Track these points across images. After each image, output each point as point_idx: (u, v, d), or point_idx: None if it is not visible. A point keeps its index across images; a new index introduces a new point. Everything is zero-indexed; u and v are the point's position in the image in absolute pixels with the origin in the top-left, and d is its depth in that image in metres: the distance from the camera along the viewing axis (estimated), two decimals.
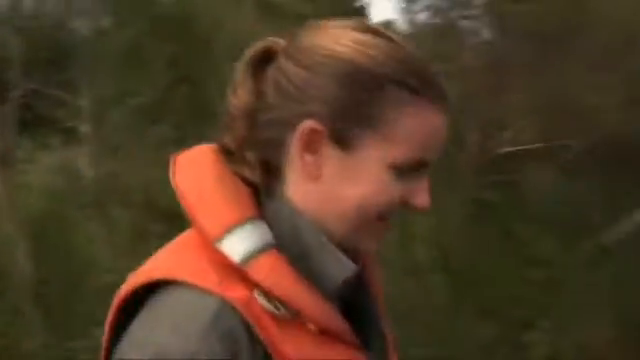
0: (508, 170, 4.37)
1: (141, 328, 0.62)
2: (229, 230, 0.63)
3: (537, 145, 4.40)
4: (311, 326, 0.63)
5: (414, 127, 0.65)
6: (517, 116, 4.47)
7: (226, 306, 0.59)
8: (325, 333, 0.64)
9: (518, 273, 3.74)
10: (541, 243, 3.77)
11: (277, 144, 0.67)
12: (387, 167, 0.65)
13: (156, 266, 0.66)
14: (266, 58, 0.69)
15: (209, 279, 0.61)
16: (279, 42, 0.70)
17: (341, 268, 0.67)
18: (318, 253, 0.66)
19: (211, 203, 0.65)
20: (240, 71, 0.70)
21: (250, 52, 0.70)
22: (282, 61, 0.67)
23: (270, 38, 0.71)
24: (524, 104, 4.42)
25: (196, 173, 0.68)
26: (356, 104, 0.65)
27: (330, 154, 0.66)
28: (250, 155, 0.68)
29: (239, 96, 0.69)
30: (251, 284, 0.61)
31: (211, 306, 0.59)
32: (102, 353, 0.69)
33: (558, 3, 4.45)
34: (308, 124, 0.64)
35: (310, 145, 0.65)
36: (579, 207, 3.96)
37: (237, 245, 0.62)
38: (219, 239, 0.62)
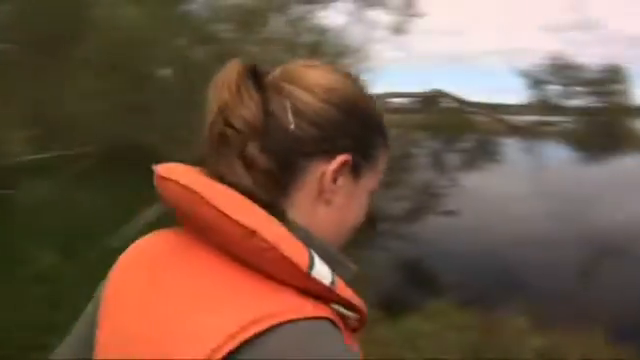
0: (2, 185, 3.78)
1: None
2: (312, 257, 0.65)
3: (35, 156, 3.96)
4: (355, 326, 0.71)
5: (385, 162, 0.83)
6: (10, 127, 3.89)
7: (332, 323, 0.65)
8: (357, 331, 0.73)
9: (22, 292, 3.34)
10: (43, 259, 3.47)
11: (292, 167, 0.72)
12: (369, 194, 0.81)
13: (253, 316, 0.61)
14: (253, 76, 0.74)
15: (307, 308, 0.63)
16: (261, 66, 0.77)
17: (349, 273, 0.74)
18: (335, 265, 0.69)
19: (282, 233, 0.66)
20: (234, 80, 0.72)
21: (240, 67, 0.74)
22: (292, 89, 0.74)
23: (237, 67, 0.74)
24: (18, 114, 3.92)
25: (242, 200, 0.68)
26: (369, 143, 0.79)
27: (344, 183, 0.76)
28: (258, 171, 0.70)
29: (248, 109, 0.71)
30: (327, 300, 0.66)
31: (328, 327, 0.64)
32: None
33: (54, 7, 4.17)
34: (344, 157, 0.73)
35: (336, 174, 0.74)
36: (86, 215, 3.79)
37: (322, 269, 0.66)
38: (311, 267, 0.64)
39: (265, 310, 0.61)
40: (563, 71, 6.96)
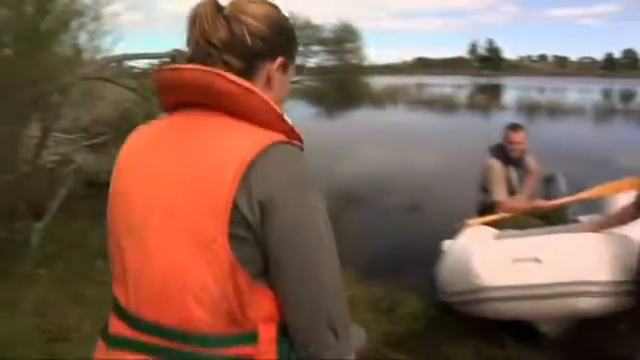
0: None
1: (290, 165, 1.10)
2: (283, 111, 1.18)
3: None
4: None
5: None
6: None
7: None
8: None
9: None
10: None
11: (252, 67, 1.19)
12: (289, 81, 1.30)
13: (258, 139, 1.08)
14: (218, 10, 1.17)
15: (287, 138, 1.15)
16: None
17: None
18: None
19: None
20: (208, 14, 1.15)
21: (208, 4, 1.16)
22: (244, 18, 1.16)
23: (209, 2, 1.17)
24: None
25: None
26: (292, 50, 1.28)
27: (279, 75, 1.23)
28: (234, 70, 1.14)
29: (219, 31, 1.15)
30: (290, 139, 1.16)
31: (301, 152, 1.18)
32: (227, 206, 1.02)
33: None
34: (280, 60, 1.22)
35: (276, 70, 1.22)
36: None
37: (286, 116, 1.18)
38: (282, 113, 1.16)
39: (263, 138, 1.08)
40: (300, 31, 7.09)
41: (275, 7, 1.22)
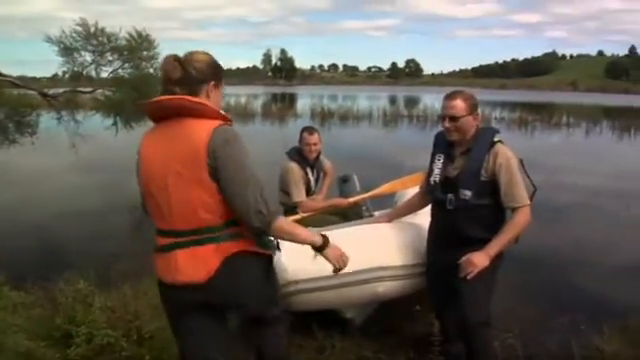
0: None
1: (226, 133, 2.21)
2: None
3: None
4: None
5: None
6: None
7: None
8: None
9: None
10: None
11: (199, 89, 2.27)
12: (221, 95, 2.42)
13: (210, 125, 2.22)
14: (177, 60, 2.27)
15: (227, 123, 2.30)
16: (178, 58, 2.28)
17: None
18: None
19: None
20: (173, 67, 2.24)
21: (171, 59, 2.27)
22: (189, 62, 2.26)
23: (171, 57, 2.28)
24: None
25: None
26: (220, 76, 2.37)
27: (213, 91, 2.33)
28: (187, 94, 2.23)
29: (176, 71, 2.23)
30: None
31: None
32: (205, 163, 2.16)
33: None
34: (213, 82, 2.32)
35: (213, 89, 2.32)
36: None
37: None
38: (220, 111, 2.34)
39: (213, 124, 2.19)
40: (92, 39, 6.85)
41: (207, 54, 2.36)
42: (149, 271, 4.55)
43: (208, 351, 2.43)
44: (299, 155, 5.09)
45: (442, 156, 3.42)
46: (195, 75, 2.24)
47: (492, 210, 3.23)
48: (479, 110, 3.44)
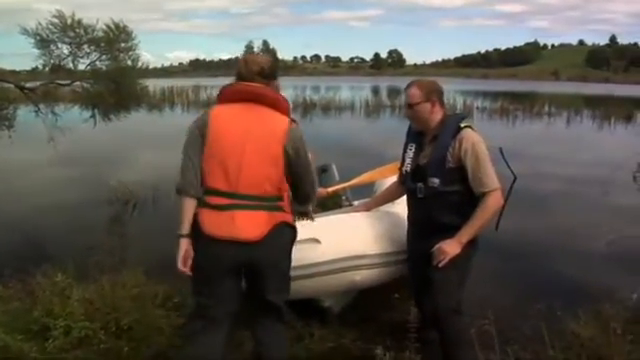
0: None
1: (299, 131, 2.82)
2: None
3: None
4: None
5: None
6: None
7: None
8: None
9: None
10: None
11: (271, 84, 2.87)
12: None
13: (286, 120, 2.78)
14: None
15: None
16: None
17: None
18: None
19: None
20: (254, 60, 2.86)
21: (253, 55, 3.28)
22: (264, 60, 2.88)
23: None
24: None
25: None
26: (277, 74, 3.01)
27: (278, 86, 2.98)
28: (267, 85, 2.84)
29: (257, 67, 2.82)
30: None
31: None
32: (282, 147, 2.72)
33: None
34: (278, 79, 2.97)
35: (278, 84, 2.98)
36: None
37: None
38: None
39: (288, 119, 2.76)
40: (69, 30, 6.77)
41: (271, 57, 3.02)
42: (128, 263, 4.62)
43: (229, 307, 2.86)
44: None
45: (414, 145, 3.46)
46: (269, 72, 2.83)
47: (463, 196, 3.24)
48: (444, 98, 3.47)
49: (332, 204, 5.04)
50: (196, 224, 2.71)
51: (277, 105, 2.76)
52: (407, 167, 3.45)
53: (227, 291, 2.82)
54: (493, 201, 3.18)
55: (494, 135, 17.80)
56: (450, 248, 3.16)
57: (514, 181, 3.44)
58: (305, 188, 2.91)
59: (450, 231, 3.21)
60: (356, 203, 4.82)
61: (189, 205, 2.73)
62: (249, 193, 2.67)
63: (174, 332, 3.78)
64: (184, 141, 2.77)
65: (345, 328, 3.93)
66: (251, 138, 2.66)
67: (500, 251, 5.43)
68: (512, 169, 3.42)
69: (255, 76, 2.77)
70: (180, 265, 2.76)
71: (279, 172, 2.71)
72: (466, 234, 3.19)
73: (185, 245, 2.75)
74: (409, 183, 3.42)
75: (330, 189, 4.97)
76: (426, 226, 3.37)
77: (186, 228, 2.74)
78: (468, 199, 3.23)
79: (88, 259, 4.61)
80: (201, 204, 2.72)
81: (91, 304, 3.85)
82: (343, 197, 5.27)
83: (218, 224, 2.67)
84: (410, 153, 3.46)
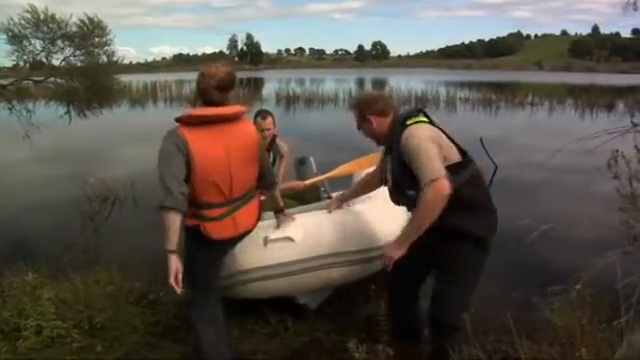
0: None
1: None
2: None
3: None
4: None
5: None
6: None
7: None
8: None
9: None
10: None
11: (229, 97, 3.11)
12: None
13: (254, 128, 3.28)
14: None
15: None
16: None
17: None
18: None
19: None
20: (225, 76, 2.97)
21: (221, 70, 2.99)
22: (228, 72, 3.02)
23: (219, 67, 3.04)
24: None
25: None
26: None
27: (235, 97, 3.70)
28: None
29: (228, 83, 3.02)
30: None
31: None
32: (258, 153, 3.21)
33: None
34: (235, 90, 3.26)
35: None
36: None
37: None
38: None
39: (252, 125, 3.32)
40: (42, 25, 6.66)
41: (229, 67, 3.03)
42: (103, 260, 4.58)
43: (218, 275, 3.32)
44: None
45: (388, 157, 3.28)
46: (226, 85, 2.98)
47: None
48: (378, 106, 3.30)
49: (310, 197, 5.01)
50: (200, 234, 3.00)
51: (239, 117, 3.10)
52: (390, 184, 3.30)
53: (219, 271, 3.32)
54: (431, 193, 2.89)
55: (477, 125, 17.90)
56: (389, 250, 3.10)
57: (495, 170, 3.41)
58: (271, 177, 3.43)
59: (444, 230, 3.06)
60: (335, 195, 4.79)
61: (176, 220, 2.83)
62: (241, 194, 3.12)
63: (148, 330, 3.76)
64: (160, 158, 2.86)
65: (320, 322, 3.92)
66: (232, 154, 3.00)
67: None
68: (493, 159, 3.39)
69: (213, 90, 2.94)
70: (172, 281, 2.84)
71: (256, 169, 3.21)
72: (404, 234, 3.08)
73: (175, 262, 2.85)
74: (396, 199, 3.30)
75: (308, 182, 4.94)
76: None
77: (174, 244, 2.82)
78: (456, 198, 2.97)
79: (62, 257, 4.57)
80: (201, 218, 3.00)
81: (63, 303, 3.81)
82: (322, 189, 5.25)
83: (224, 229, 3.06)
84: (387, 167, 3.30)
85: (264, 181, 3.34)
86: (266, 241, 3.67)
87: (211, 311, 3.21)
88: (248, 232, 3.24)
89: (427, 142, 2.99)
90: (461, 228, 3.08)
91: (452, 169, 3.01)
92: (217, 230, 3.02)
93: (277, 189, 3.57)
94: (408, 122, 3.12)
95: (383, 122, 3.26)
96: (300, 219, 3.80)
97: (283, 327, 3.81)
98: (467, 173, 3.10)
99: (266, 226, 3.75)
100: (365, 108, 3.30)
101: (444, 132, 3.20)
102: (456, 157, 3.10)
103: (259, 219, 3.30)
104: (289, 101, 26.64)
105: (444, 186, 2.88)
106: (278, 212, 3.69)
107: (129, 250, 5.23)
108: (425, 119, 3.20)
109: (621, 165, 3.63)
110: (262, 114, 5.02)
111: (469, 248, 3.15)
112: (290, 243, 3.67)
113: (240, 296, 3.81)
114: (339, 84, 36.58)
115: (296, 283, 3.76)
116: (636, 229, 3.72)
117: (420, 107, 3.40)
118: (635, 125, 3.84)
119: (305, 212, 4.18)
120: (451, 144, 3.14)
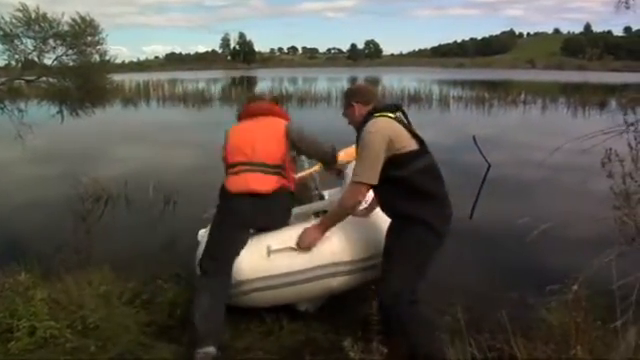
0: None
1: (297, 124, 4.15)
2: None
3: None
4: None
5: None
6: None
7: None
8: None
9: None
10: None
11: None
12: None
13: (283, 121, 4.16)
14: None
15: None
16: None
17: None
18: None
19: None
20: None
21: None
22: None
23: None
24: None
25: None
26: None
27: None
28: None
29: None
30: None
31: None
32: (284, 136, 3.99)
33: None
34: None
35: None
36: None
37: None
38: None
39: (284, 120, 4.12)
40: (34, 24, 6.61)
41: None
42: (96, 260, 4.56)
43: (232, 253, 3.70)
44: None
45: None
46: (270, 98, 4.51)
47: (394, 182, 3.30)
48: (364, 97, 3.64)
49: (303, 197, 4.98)
50: (222, 189, 3.89)
51: (273, 112, 4.16)
52: None
53: (235, 249, 3.71)
54: (350, 193, 3.38)
55: (470, 123, 17.92)
56: (305, 238, 3.64)
57: (488, 169, 3.42)
58: (318, 154, 4.24)
59: (400, 218, 3.39)
60: (326, 195, 4.78)
61: None
62: (260, 161, 3.81)
63: (142, 330, 3.74)
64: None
65: (315, 321, 3.90)
66: (258, 130, 3.98)
67: (474, 239, 5.43)
68: (486, 157, 3.40)
69: (257, 99, 4.41)
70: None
71: (281, 149, 3.88)
72: (322, 223, 3.64)
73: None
74: None
75: (297, 175, 4.92)
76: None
77: None
78: (405, 184, 3.28)
79: (55, 257, 4.54)
80: (226, 174, 3.94)
81: (56, 303, 3.78)
82: (312, 185, 5.22)
83: (236, 183, 3.80)
84: None
85: (316, 157, 4.36)
86: (269, 251, 3.68)
87: (214, 285, 3.55)
88: (261, 195, 3.73)
89: (377, 142, 3.24)
90: (409, 213, 3.28)
91: (407, 156, 3.27)
92: (231, 183, 3.83)
93: (333, 163, 4.38)
94: (376, 114, 3.40)
95: (364, 110, 3.56)
96: (302, 228, 3.80)
97: (278, 326, 3.80)
98: (421, 162, 3.31)
99: (269, 236, 3.80)
100: (352, 96, 3.71)
101: (407, 126, 3.43)
102: (411, 146, 3.31)
103: (277, 192, 3.78)
104: (282, 100, 26.59)
105: (361, 193, 3.33)
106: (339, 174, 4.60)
107: (122, 250, 5.22)
108: (392, 115, 3.44)
109: (615, 164, 3.64)
110: None
111: (414, 230, 3.29)
112: (293, 253, 3.69)
113: (243, 305, 3.82)
114: (332, 83, 36.53)
115: (298, 292, 3.77)
116: (629, 227, 3.74)
117: (398, 104, 3.67)
118: (629, 125, 3.86)
119: (305, 213, 4.31)
120: (408, 136, 3.35)
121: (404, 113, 3.57)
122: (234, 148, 3.92)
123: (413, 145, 3.31)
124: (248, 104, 4.28)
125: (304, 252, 3.67)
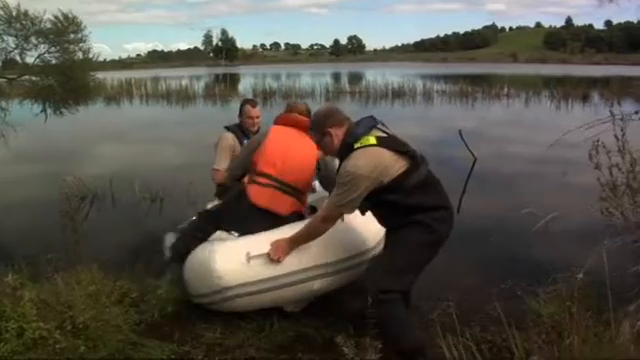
0: None
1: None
2: None
3: None
4: None
5: None
6: None
7: None
8: None
9: None
10: None
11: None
12: None
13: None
14: None
15: None
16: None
17: None
18: None
19: None
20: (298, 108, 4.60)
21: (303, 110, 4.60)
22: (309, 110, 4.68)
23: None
24: None
25: None
26: None
27: None
28: None
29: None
30: None
31: None
32: (315, 161, 4.27)
33: None
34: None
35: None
36: None
37: None
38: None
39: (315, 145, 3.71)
40: (15, 22, 6.53)
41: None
42: (84, 260, 4.50)
43: None
44: (238, 128, 5.20)
45: None
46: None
47: (386, 205, 3.29)
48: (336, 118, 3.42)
49: None
50: (243, 192, 4.14)
51: (307, 129, 3.89)
52: None
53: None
54: (317, 222, 3.51)
55: (455, 117, 17.98)
56: (276, 250, 3.65)
57: (474, 162, 3.42)
58: (329, 186, 4.14)
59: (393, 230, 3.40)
60: (317, 186, 4.77)
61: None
62: (287, 182, 4.09)
63: (132, 328, 3.71)
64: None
65: (307, 317, 3.90)
66: (295, 145, 4.21)
67: (462, 233, 5.40)
68: (472, 150, 3.40)
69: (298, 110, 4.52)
70: None
71: (310, 177, 4.26)
72: (292, 240, 3.64)
73: None
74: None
75: None
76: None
77: None
78: (395, 203, 3.25)
79: (42, 257, 4.48)
80: (251, 175, 4.24)
81: (45, 304, 3.73)
82: None
83: (261, 196, 4.09)
84: None
85: (325, 185, 4.47)
86: (249, 257, 3.67)
87: None
88: (274, 216, 4.03)
89: (363, 185, 3.15)
90: (407, 221, 3.24)
91: (398, 179, 3.17)
92: (255, 193, 4.10)
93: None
94: (356, 146, 3.19)
95: (340, 132, 3.34)
96: (281, 233, 3.81)
97: (269, 323, 3.79)
98: (414, 179, 3.20)
99: (249, 241, 3.82)
100: (325, 120, 3.41)
101: (392, 144, 3.24)
102: (401, 169, 3.19)
103: (292, 218, 4.09)
104: (266, 96, 26.53)
105: (325, 227, 3.48)
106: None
107: (110, 249, 5.19)
108: (373, 140, 3.21)
109: (602, 155, 3.67)
110: (251, 102, 5.26)
111: (409, 229, 3.25)
112: (272, 259, 3.68)
113: (226, 310, 3.82)
114: (315, 78, 36.48)
115: (281, 296, 3.77)
116: (616, 217, 3.77)
117: (373, 117, 3.41)
118: (614, 116, 3.89)
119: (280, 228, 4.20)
120: (397, 157, 3.20)
121: (383, 125, 3.39)
122: (267, 157, 4.15)
123: (403, 166, 3.19)
124: (290, 112, 4.45)
125: (284, 256, 3.68)
